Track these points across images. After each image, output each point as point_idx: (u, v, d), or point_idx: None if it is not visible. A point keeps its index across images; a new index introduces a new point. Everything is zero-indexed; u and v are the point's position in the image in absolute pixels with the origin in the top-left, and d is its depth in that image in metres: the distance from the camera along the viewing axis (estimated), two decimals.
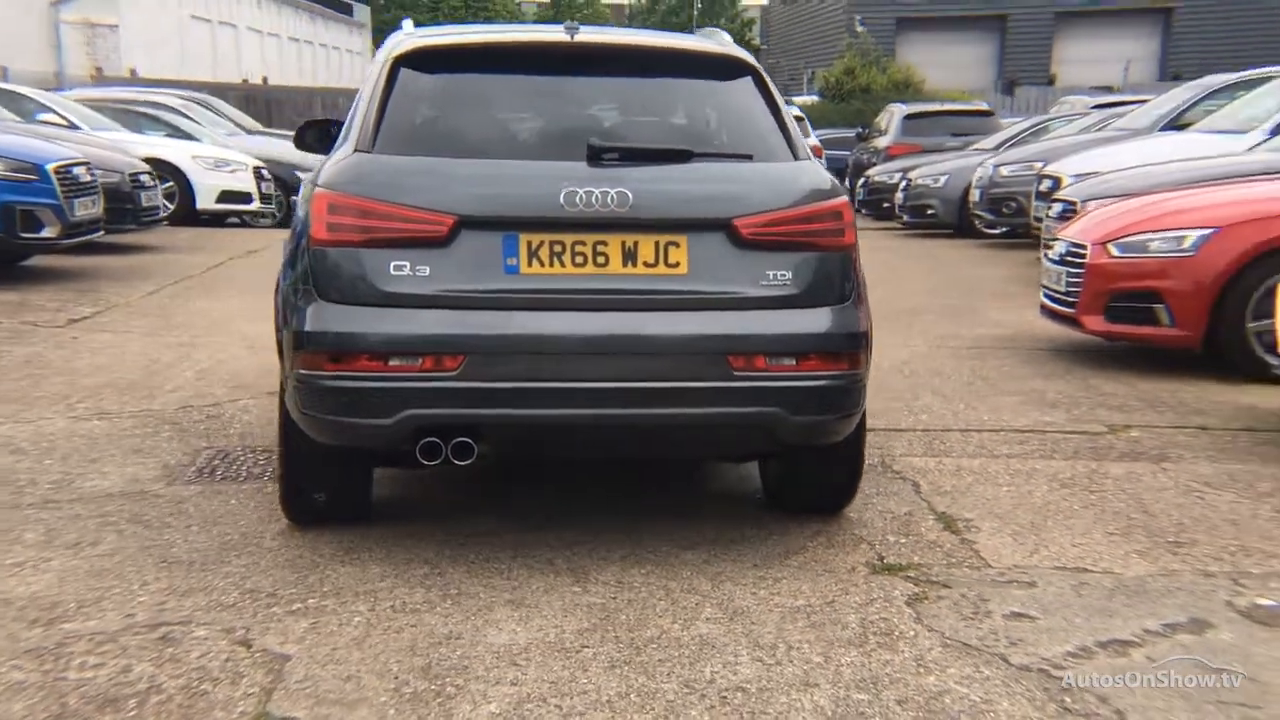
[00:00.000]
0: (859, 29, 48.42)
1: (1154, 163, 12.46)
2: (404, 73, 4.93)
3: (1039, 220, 14.27)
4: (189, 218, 17.93)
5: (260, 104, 28.90)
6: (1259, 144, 12.25)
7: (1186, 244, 8.09)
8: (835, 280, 4.68)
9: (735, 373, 4.49)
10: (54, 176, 11.74)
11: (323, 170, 4.86)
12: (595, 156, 4.61)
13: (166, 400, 7.40)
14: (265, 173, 18.85)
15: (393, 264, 4.48)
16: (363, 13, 66.28)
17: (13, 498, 5.53)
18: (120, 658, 3.95)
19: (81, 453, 6.25)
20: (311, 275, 4.59)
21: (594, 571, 4.68)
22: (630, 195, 4.48)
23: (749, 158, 4.82)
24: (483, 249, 4.50)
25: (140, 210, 14.51)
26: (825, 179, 4.85)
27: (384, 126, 4.76)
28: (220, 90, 28.63)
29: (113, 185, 13.82)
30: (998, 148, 20.07)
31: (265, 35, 51.24)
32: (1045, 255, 9.26)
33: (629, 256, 4.51)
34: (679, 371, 4.49)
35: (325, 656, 3.97)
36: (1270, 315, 7.67)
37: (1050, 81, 51.84)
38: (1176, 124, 16.03)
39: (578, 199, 4.46)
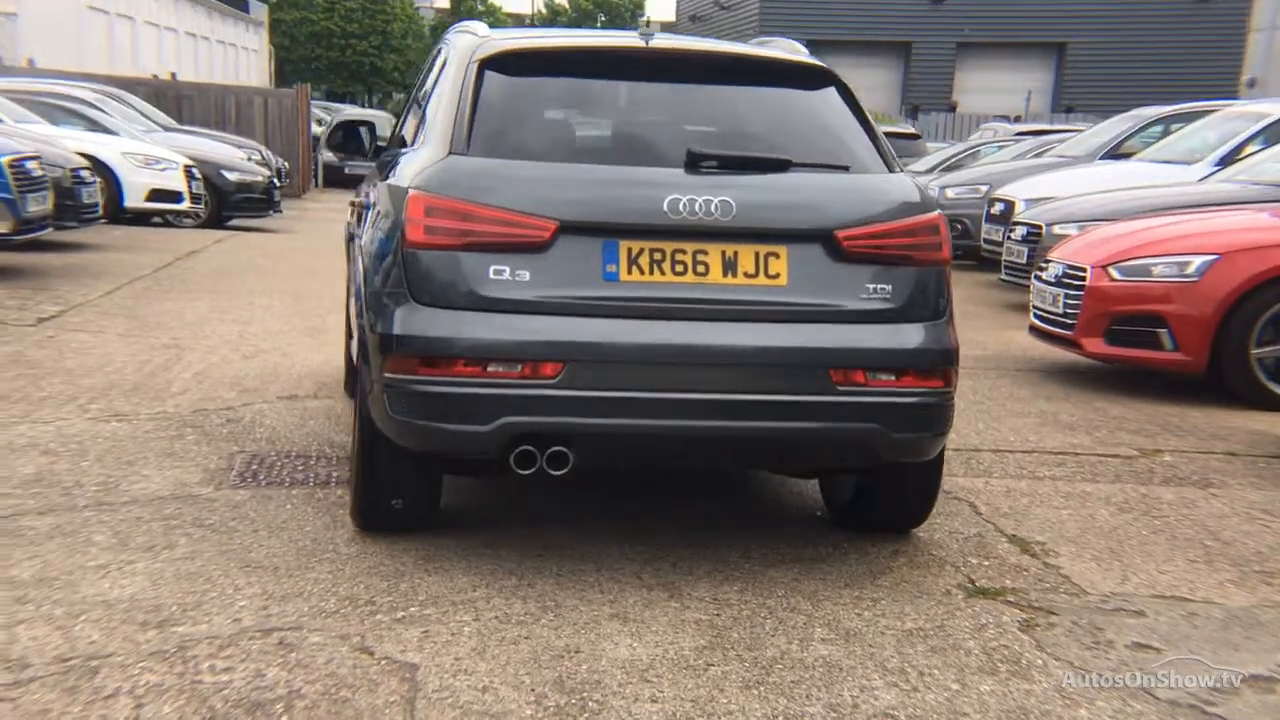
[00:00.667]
0: None
1: (1107, 189, 12.80)
2: (490, 75, 4.92)
3: (991, 242, 14.56)
4: (113, 216, 17.50)
5: (170, 100, 28.24)
6: (1208, 175, 12.63)
7: (1190, 269, 8.31)
8: (931, 295, 4.75)
9: (836, 387, 4.53)
10: (7, 170, 11.45)
11: (410, 171, 4.83)
12: (694, 164, 4.63)
13: (178, 403, 7.27)
14: (195, 172, 18.50)
15: (492, 268, 4.48)
16: (259, 10, 65.39)
17: (65, 499, 5.41)
18: (248, 662, 3.90)
19: (114, 455, 6.12)
20: (405, 278, 4.56)
21: (685, 587, 4.68)
22: (734, 204, 4.51)
23: (846, 169, 4.87)
24: (582, 255, 4.50)
25: (81, 207, 14.17)
26: (919, 192, 4.92)
27: (476, 129, 4.75)
28: (129, 84, 28.04)
29: (55, 181, 13.46)
30: (931, 170, 20.42)
31: (163, 29, 50.34)
32: (1037, 276, 9.45)
33: (729, 266, 4.54)
34: (781, 385, 4.53)
35: (452, 666, 3.94)
36: (1272, 342, 7.93)
37: (952, 109, 52.90)
38: (1116, 153, 16.47)
39: (681, 206, 4.48)
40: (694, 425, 4.51)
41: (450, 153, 4.72)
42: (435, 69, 6.00)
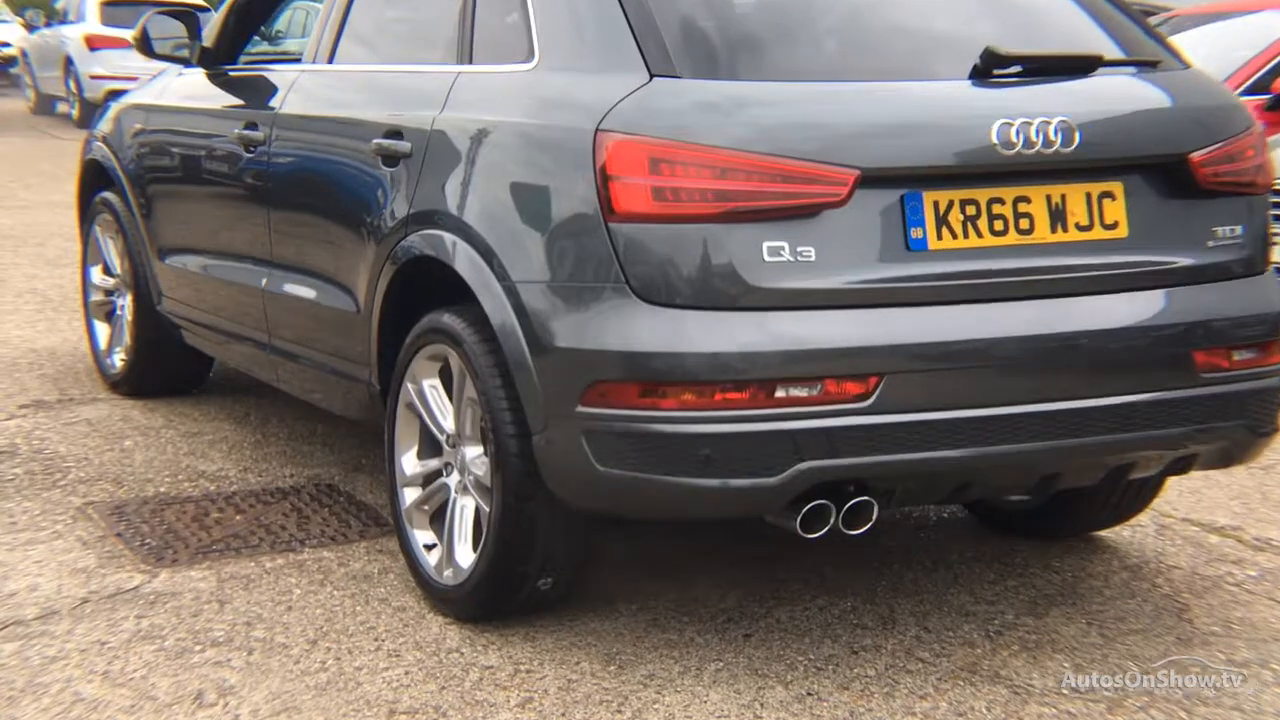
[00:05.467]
0: None
1: None
2: None
3: None
4: None
5: None
6: None
7: None
8: (1264, 234, 3.76)
9: (1201, 376, 3.51)
10: None
11: (586, 101, 3.38)
12: (987, 71, 3.47)
13: None
14: None
15: (766, 245, 3.20)
16: None
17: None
18: None
19: None
20: (619, 267, 3.23)
21: (1011, 676, 3.59)
22: (1075, 127, 3.37)
23: (1154, 64, 3.79)
24: (879, 217, 3.29)
25: None
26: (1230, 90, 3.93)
27: (669, 38, 3.38)
28: None
29: None
30: None
31: None
32: None
33: (1056, 216, 3.42)
34: (1141, 380, 3.48)
35: None
36: None
37: None
38: None
39: (1014, 136, 3.30)
40: (1035, 449, 3.39)
41: (652, 74, 3.34)
42: None
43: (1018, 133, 3.31)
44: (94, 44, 19.70)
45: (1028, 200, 3.40)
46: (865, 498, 3.28)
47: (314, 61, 4.69)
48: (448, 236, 3.66)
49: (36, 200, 12.18)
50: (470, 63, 3.91)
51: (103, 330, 6.05)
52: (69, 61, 20.33)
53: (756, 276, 3.19)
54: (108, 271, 5.99)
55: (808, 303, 3.24)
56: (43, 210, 11.45)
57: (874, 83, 3.47)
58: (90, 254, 6.11)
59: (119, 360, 5.88)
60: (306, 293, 4.46)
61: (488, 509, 3.58)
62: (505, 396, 3.45)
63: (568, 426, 3.30)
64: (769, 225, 3.21)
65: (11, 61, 26.56)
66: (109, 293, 6.01)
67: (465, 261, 3.57)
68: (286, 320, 4.65)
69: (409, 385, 3.88)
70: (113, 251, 5.90)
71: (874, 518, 3.33)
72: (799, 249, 3.21)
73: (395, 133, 3.95)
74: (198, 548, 4.25)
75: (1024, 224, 3.40)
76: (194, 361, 5.73)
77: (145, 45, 5.24)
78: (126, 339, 5.80)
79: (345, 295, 4.21)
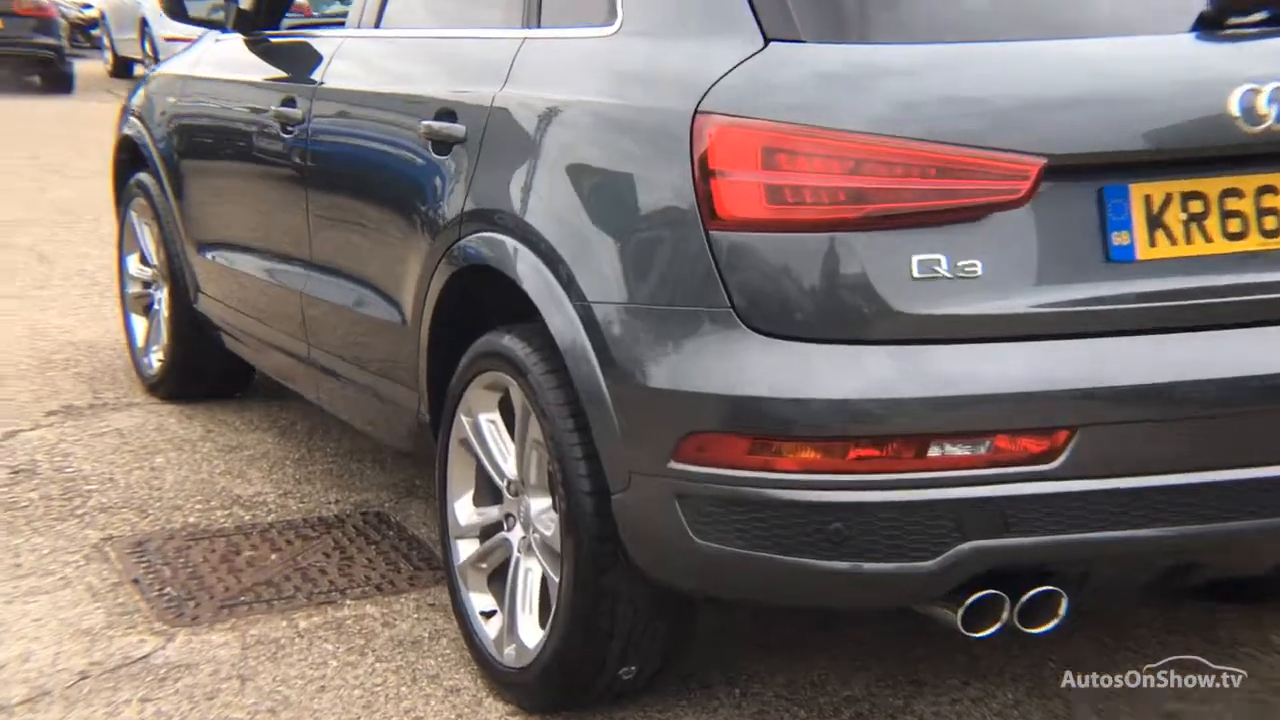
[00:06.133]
0: None
1: None
2: None
3: None
4: None
5: None
6: None
7: None
8: None
9: None
10: None
11: (681, 75, 2.69)
12: (1218, 22, 2.68)
13: None
14: None
15: (916, 259, 2.48)
16: None
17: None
18: None
19: None
20: (722, 286, 2.54)
21: None
22: None
23: None
24: (1069, 219, 2.55)
25: None
26: None
27: None
28: None
29: None
30: None
31: None
32: None
33: None
34: None
35: None
36: None
37: None
38: None
39: (1263, 106, 2.55)
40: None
41: (767, 38, 2.61)
42: None
43: (1269, 101, 2.55)
44: None
45: (1275, 191, 2.65)
46: (1050, 587, 2.56)
47: (359, 26, 4.02)
48: (508, 240, 3.00)
49: (98, 170, 11.59)
50: (538, 26, 3.23)
51: (140, 325, 5.46)
52: (144, 23, 19.87)
53: (903, 299, 2.48)
54: (144, 261, 5.41)
55: (972, 333, 2.52)
56: (102, 181, 10.85)
57: (1062, 40, 2.70)
58: (126, 242, 5.51)
59: (156, 360, 5.29)
60: (347, 298, 3.83)
61: (556, 578, 2.91)
62: (579, 443, 2.79)
63: (657, 486, 2.64)
64: (920, 232, 2.50)
65: (93, 23, 26.41)
66: (146, 285, 5.42)
67: (528, 271, 2.92)
68: (326, 329, 4.02)
69: (463, 418, 3.24)
70: (149, 240, 5.32)
71: (1062, 613, 2.61)
72: (961, 262, 2.49)
73: (447, 113, 3.29)
74: (224, 599, 3.65)
75: (1270, 223, 2.64)
76: (237, 362, 5.09)
77: (177, 8, 4.64)
78: (164, 337, 5.21)
79: (389, 304, 3.57)
